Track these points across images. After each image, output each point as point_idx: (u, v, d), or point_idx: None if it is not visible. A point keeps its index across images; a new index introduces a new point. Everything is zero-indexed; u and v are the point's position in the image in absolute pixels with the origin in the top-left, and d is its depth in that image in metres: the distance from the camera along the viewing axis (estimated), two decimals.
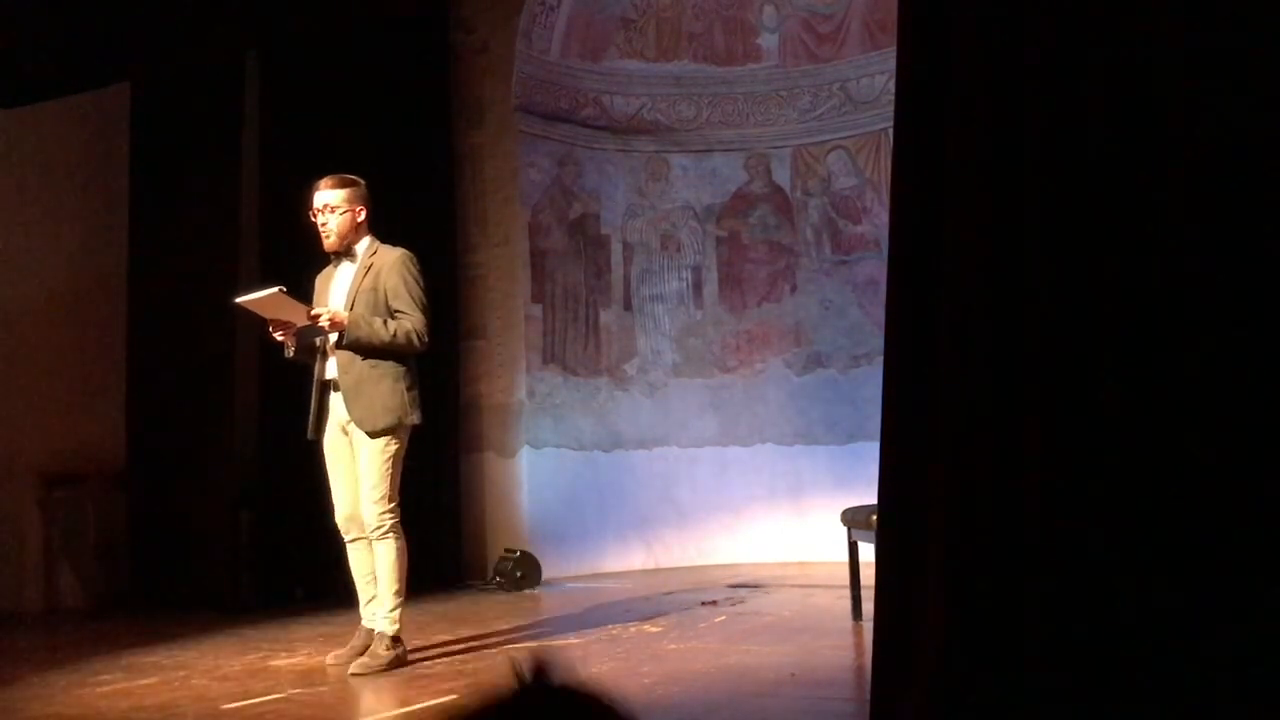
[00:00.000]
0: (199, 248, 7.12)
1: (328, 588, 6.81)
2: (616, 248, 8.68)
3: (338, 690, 4.23)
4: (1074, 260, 2.42)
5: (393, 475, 4.57)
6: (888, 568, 2.82)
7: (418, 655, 4.80)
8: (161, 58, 7.06)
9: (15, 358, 6.99)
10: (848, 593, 5.39)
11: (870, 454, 3.17)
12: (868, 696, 2.82)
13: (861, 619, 5.22)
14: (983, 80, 2.57)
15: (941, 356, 2.64)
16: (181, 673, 4.66)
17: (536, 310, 8.23)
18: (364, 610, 4.75)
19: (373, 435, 4.53)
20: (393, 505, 4.58)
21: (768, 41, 8.76)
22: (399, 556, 4.62)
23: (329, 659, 4.72)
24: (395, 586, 4.60)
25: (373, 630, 4.66)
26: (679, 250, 8.81)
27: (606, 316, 8.57)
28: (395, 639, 4.59)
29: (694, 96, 8.75)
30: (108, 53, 6.68)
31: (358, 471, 4.61)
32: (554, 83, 8.35)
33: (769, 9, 8.73)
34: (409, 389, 4.60)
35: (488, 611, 6.25)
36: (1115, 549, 2.34)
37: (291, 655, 5.00)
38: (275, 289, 4.43)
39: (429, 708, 3.84)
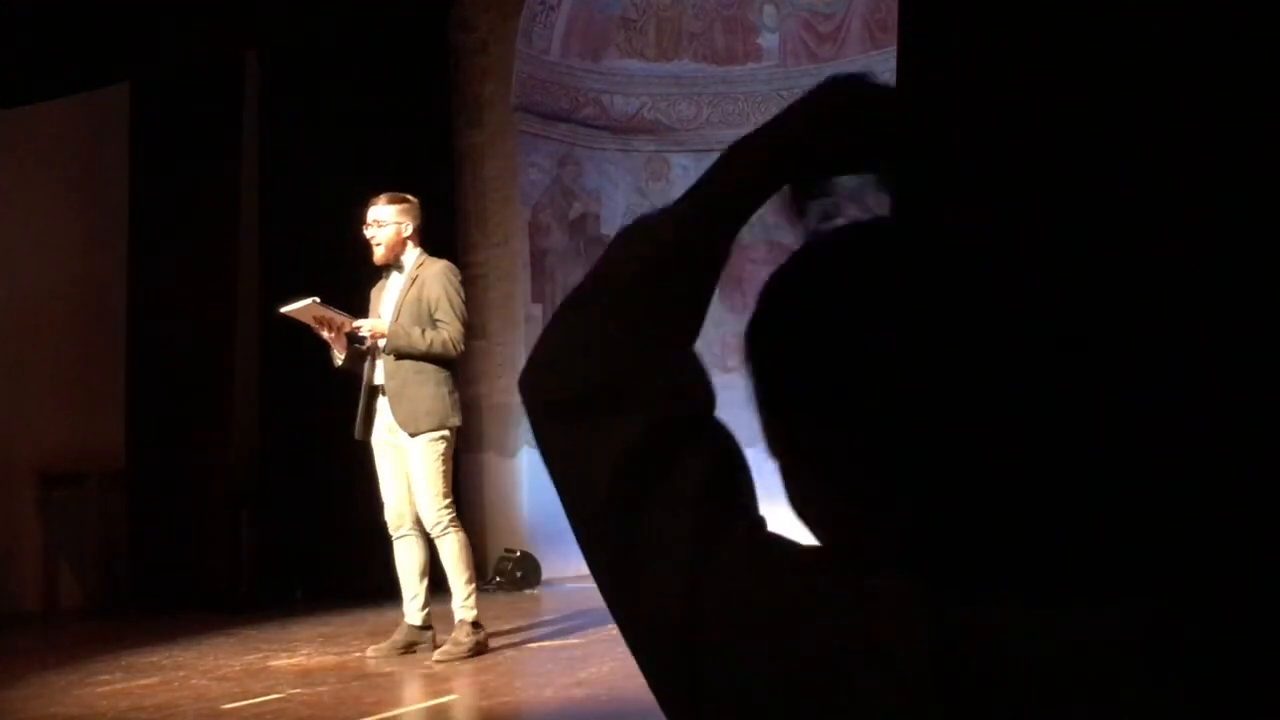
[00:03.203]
0: (199, 248, 7.13)
1: (327, 588, 6.81)
2: None
3: (337, 690, 4.23)
4: (1074, 259, 2.42)
5: (445, 473, 4.81)
6: None
7: (418, 656, 4.80)
8: (161, 58, 7.06)
9: (15, 358, 6.98)
10: None
11: None
12: None
13: None
14: (983, 80, 2.57)
15: None
16: (181, 673, 4.66)
17: (536, 310, 8.22)
18: (407, 606, 4.87)
19: (415, 436, 4.74)
20: (448, 502, 4.80)
21: (768, 41, 8.75)
22: (463, 548, 4.83)
23: (369, 651, 4.83)
24: (465, 575, 4.81)
25: (413, 626, 4.85)
26: None
27: None
28: (475, 624, 4.80)
29: (694, 96, 8.75)
30: (108, 53, 6.68)
31: (406, 470, 4.82)
32: (554, 82, 8.35)
33: (769, 8, 8.72)
34: (450, 392, 4.86)
35: (488, 611, 6.24)
36: (1116, 549, 2.34)
37: (291, 655, 4.99)
38: (310, 300, 4.71)
39: (429, 708, 3.84)
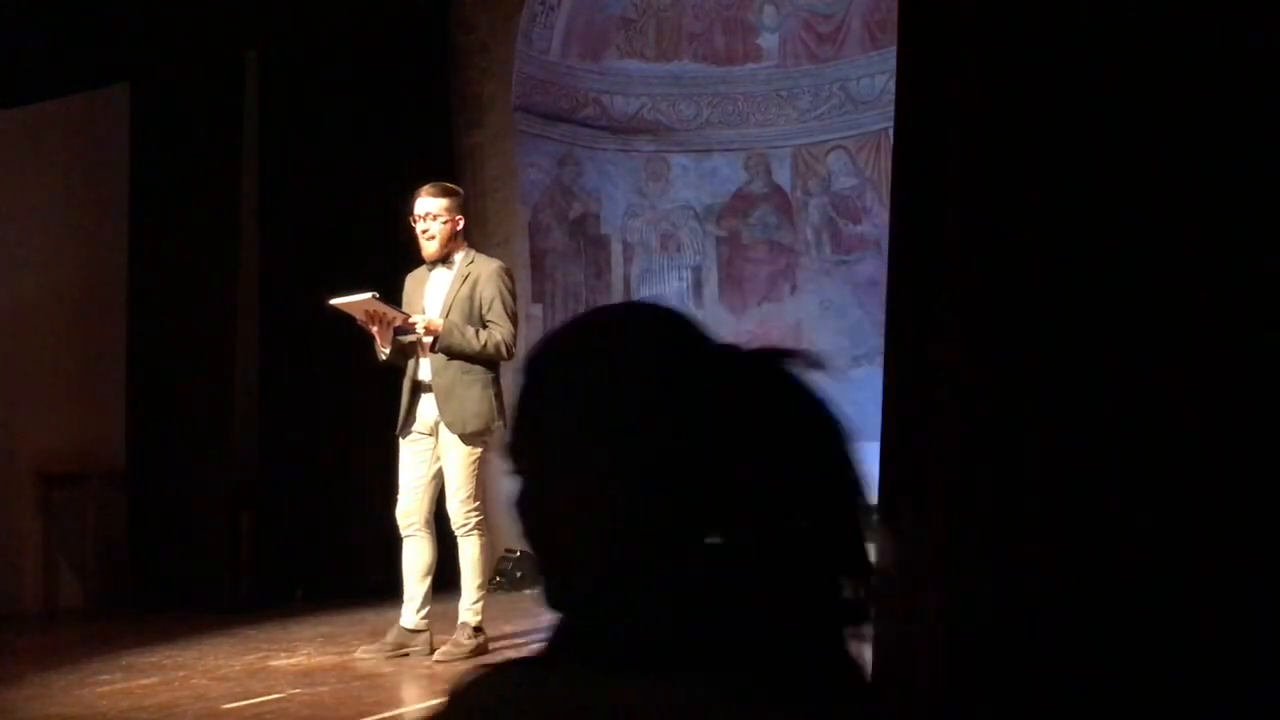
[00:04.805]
0: (199, 247, 7.13)
1: (328, 588, 6.81)
2: (616, 248, 8.68)
3: (338, 690, 4.23)
4: (1075, 259, 2.42)
5: (478, 476, 4.83)
6: (888, 568, 2.81)
7: (419, 656, 4.80)
8: (161, 58, 7.06)
9: (15, 357, 6.98)
10: None
11: (870, 454, 3.16)
12: None
13: None
14: (983, 80, 2.57)
15: (942, 357, 2.64)
16: (181, 673, 4.66)
17: (536, 310, 8.22)
18: (404, 608, 4.85)
19: (463, 439, 4.75)
20: (477, 504, 4.82)
21: (768, 41, 8.75)
22: (481, 552, 4.84)
23: (359, 652, 4.82)
24: (479, 580, 4.82)
25: (406, 629, 4.84)
26: (679, 250, 8.81)
27: None
28: (478, 628, 4.79)
29: (694, 96, 8.75)
30: (108, 53, 6.68)
31: (430, 470, 4.83)
32: (554, 83, 8.35)
33: (769, 9, 8.72)
34: (496, 395, 4.84)
35: (487, 611, 6.25)
36: (1118, 548, 2.34)
37: (291, 655, 5.00)
38: (368, 294, 4.65)
39: (429, 707, 3.84)
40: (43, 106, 6.90)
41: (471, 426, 4.75)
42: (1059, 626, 2.38)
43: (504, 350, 4.81)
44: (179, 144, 7.23)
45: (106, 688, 4.38)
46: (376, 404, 6.05)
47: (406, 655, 4.77)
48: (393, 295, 4.96)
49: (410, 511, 4.82)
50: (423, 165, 7.73)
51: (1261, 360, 2.26)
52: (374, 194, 6.85)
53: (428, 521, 4.83)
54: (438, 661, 4.62)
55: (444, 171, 8.00)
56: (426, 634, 4.83)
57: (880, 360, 2.93)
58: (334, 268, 6.20)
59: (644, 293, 8.72)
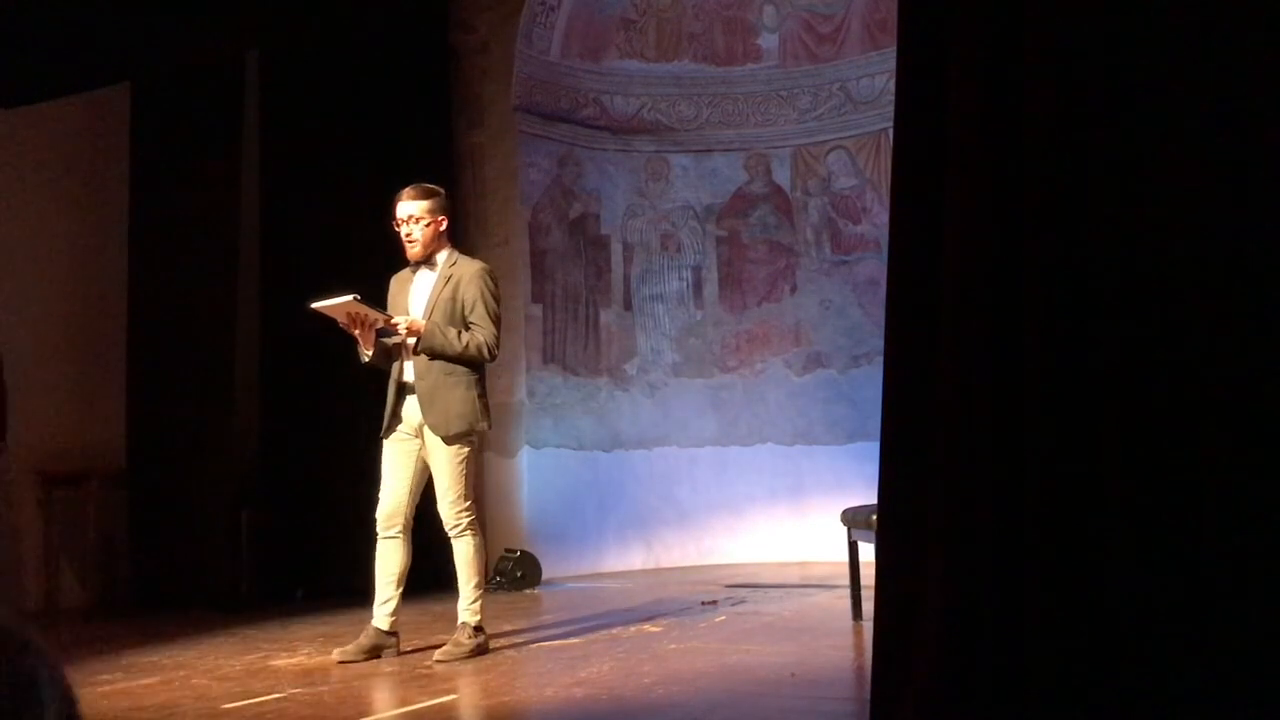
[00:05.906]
0: (199, 248, 7.13)
1: (328, 588, 6.82)
2: (616, 248, 8.68)
3: (338, 690, 4.23)
4: (1074, 259, 2.42)
5: (466, 476, 4.82)
6: (888, 568, 2.82)
7: (418, 656, 4.80)
8: (161, 58, 7.06)
9: (15, 358, 6.98)
10: (848, 593, 5.39)
11: (870, 454, 3.17)
12: (868, 696, 2.82)
13: (861, 619, 5.22)
14: (982, 80, 2.57)
15: (941, 356, 2.64)
16: (181, 673, 4.66)
17: (536, 310, 8.22)
18: (376, 609, 4.84)
19: (447, 441, 4.73)
20: (468, 504, 4.81)
21: (768, 41, 8.75)
22: (476, 552, 4.84)
23: (335, 654, 4.81)
24: (475, 579, 4.83)
25: (380, 630, 4.82)
26: (679, 250, 8.81)
27: (606, 316, 8.57)
28: (478, 628, 4.81)
29: (694, 96, 8.75)
30: (108, 53, 6.68)
31: (414, 471, 4.81)
32: (554, 83, 8.35)
33: (769, 9, 8.72)
34: (480, 396, 4.83)
35: (488, 611, 6.26)
36: (1116, 547, 2.34)
37: (291, 655, 5.00)
38: (349, 297, 4.61)
39: (429, 707, 3.85)
40: (43, 106, 6.90)
41: (455, 428, 4.73)
42: (1059, 626, 2.39)
43: (486, 352, 4.79)
44: (179, 144, 7.24)
45: (106, 687, 4.38)
46: (376, 404, 6.04)
47: (380, 657, 4.75)
48: (384, 296, 4.96)
49: (393, 514, 4.81)
50: (423, 165, 7.74)
51: (1262, 361, 2.26)
52: (374, 194, 6.84)
53: (408, 524, 4.83)
54: (438, 661, 4.63)
55: (444, 171, 8.02)
56: (397, 636, 4.85)
57: (880, 360, 2.93)
58: (334, 268, 6.20)
59: (644, 293, 8.72)
